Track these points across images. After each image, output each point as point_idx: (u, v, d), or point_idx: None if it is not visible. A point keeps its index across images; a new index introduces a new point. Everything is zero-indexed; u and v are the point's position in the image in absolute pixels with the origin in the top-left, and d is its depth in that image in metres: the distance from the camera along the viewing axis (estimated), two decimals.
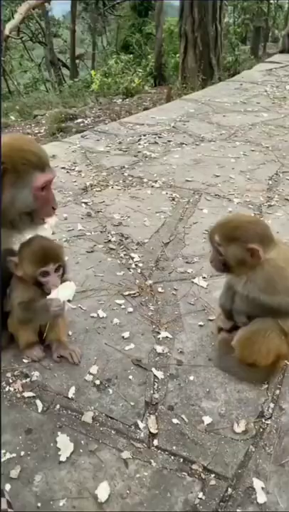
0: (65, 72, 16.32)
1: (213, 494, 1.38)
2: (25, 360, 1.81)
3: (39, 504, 1.33)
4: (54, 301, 1.65)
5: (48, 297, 1.66)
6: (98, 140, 4.52)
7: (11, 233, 1.71)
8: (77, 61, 16.81)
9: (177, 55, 9.35)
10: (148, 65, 11.24)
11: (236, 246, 1.64)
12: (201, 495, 1.37)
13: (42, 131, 6.60)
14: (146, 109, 6.88)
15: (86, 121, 6.64)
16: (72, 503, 1.34)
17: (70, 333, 1.96)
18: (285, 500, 1.37)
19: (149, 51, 13.04)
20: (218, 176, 3.65)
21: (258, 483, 1.41)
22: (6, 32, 9.61)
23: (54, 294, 1.65)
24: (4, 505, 1.18)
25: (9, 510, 1.19)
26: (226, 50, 9.88)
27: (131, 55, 13.00)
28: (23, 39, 15.54)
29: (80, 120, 6.73)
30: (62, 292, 1.66)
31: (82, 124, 6.44)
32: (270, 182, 3.59)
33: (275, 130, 4.83)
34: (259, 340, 1.67)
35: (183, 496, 1.37)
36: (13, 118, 7.87)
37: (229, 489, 1.40)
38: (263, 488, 1.40)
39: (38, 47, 17.02)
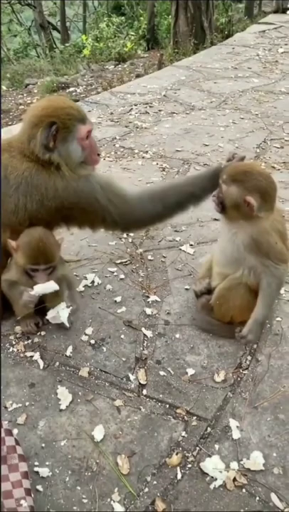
0: (56, 35, 15.87)
1: (194, 433, 1.59)
2: (18, 330, 1.96)
3: (43, 444, 1.54)
4: (29, 294, 1.79)
5: (30, 290, 1.79)
6: (90, 111, 4.58)
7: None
8: (68, 24, 16.34)
9: (170, 17, 9.15)
10: (140, 28, 10.99)
11: (236, 189, 1.68)
12: (183, 433, 1.59)
13: (34, 101, 6.59)
14: (138, 75, 6.84)
15: (78, 90, 6.62)
16: (72, 443, 1.55)
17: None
18: (257, 436, 1.58)
19: (141, 12, 12.69)
20: (207, 145, 3.75)
21: (233, 423, 1.61)
22: None
23: (36, 288, 1.78)
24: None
25: (17, 446, 1.40)
26: (218, 11, 9.65)
27: (123, 17, 12.67)
28: (11, 2, 15.07)
29: (72, 89, 6.70)
30: (41, 288, 1.79)
31: (74, 93, 6.43)
32: (258, 150, 3.69)
33: (265, 96, 4.88)
34: (233, 297, 1.84)
35: (168, 434, 1.58)
36: (4, 88, 7.80)
37: (208, 428, 1.61)
38: (237, 426, 1.60)
39: (27, 9, 16.47)
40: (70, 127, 1.72)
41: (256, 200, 1.66)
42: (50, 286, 1.80)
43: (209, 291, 1.99)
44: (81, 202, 1.79)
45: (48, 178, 1.74)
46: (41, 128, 1.68)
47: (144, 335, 1.97)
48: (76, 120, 1.74)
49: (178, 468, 1.48)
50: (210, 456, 1.51)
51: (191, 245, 2.54)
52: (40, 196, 1.74)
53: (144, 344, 1.93)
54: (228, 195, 1.71)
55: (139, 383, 1.76)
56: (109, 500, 1.39)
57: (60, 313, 1.90)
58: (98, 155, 1.87)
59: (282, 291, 2.18)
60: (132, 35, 10.55)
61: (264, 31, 8.19)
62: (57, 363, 1.83)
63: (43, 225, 1.81)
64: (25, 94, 7.17)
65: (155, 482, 1.44)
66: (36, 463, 1.48)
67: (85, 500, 1.39)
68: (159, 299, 2.16)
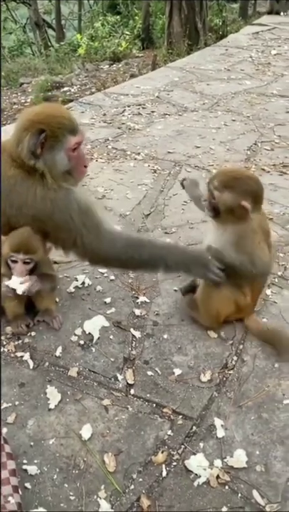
0: (51, 33, 15.82)
1: (180, 431, 1.63)
2: (8, 331, 1.98)
3: (32, 443, 1.57)
4: (4, 283, 1.81)
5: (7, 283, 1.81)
6: (83, 112, 4.60)
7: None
8: (63, 22, 16.30)
9: (164, 17, 9.17)
10: (135, 27, 11.00)
11: (230, 195, 1.75)
12: (169, 432, 1.63)
13: (28, 100, 6.59)
14: (132, 76, 6.87)
15: (72, 90, 6.63)
16: (60, 442, 1.58)
17: (57, 299, 2.16)
18: (241, 434, 1.62)
19: (136, 12, 12.70)
20: (198, 147, 3.79)
21: (218, 422, 1.66)
22: None
23: (12, 281, 1.80)
24: (1, 441, 1.42)
25: (6, 445, 1.43)
26: (212, 11, 9.69)
27: (118, 17, 12.67)
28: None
29: (66, 89, 6.71)
30: (16, 282, 1.80)
31: (68, 93, 6.44)
32: (249, 152, 3.73)
33: (257, 98, 4.92)
34: (216, 291, 1.88)
35: (154, 433, 1.62)
36: None
37: (194, 427, 1.65)
38: (222, 425, 1.65)
39: (22, 7, 16.41)
40: (59, 137, 1.73)
41: (250, 204, 1.74)
42: (25, 281, 1.81)
43: (194, 288, 2.05)
44: (55, 216, 1.77)
45: (31, 185, 1.75)
46: (30, 133, 1.70)
47: (133, 335, 2.00)
48: (66, 130, 1.74)
49: (163, 465, 1.52)
50: (194, 454, 1.55)
51: None
52: (20, 202, 1.75)
53: (133, 344, 1.97)
54: (222, 201, 1.78)
55: (127, 383, 1.79)
56: (95, 497, 1.43)
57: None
58: (85, 167, 1.88)
59: (268, 292, 2.23)
60: (127, 34, 10.56)
61: (257, 33, 8.23)
62: (46, 363, 1.86)
63: None
64: (19, 94, 7.17)
65: (141, 479, 1.49)
66: (25, 461, 1.52)
67: (72, 497, 1.43)
68: (148, 300, 2.20)
